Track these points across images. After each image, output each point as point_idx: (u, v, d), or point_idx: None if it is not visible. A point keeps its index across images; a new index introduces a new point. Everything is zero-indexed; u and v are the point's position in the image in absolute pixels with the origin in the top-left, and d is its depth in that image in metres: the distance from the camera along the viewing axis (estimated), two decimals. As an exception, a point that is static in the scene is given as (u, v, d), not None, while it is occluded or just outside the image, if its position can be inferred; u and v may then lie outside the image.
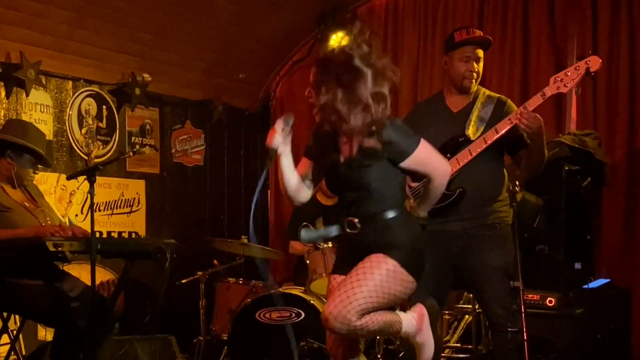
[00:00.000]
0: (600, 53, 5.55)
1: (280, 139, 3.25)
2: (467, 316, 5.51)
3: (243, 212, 7.45)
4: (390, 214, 3.20)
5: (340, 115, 3.11)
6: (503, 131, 3.90)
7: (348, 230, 3.22)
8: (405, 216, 3.27)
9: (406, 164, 3.19)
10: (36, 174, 4.51)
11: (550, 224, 5.09)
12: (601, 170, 5.49)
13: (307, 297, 5.34)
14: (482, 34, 4.16)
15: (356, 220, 3.20)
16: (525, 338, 3.76)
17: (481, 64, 4.10)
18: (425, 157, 3.23)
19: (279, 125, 3.25)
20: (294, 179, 3.32)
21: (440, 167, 3.29)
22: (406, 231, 3.23)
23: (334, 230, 3.28)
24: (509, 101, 4.15)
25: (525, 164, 4.06)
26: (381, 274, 3.11)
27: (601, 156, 5.42)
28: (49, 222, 4.38)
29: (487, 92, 4.19)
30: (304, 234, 3.30)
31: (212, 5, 6.27)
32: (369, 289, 3.08)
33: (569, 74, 3.83)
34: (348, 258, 3.28)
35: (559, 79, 3.85)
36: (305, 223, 5.54)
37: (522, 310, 3.80)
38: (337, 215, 3.32)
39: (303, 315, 5.27)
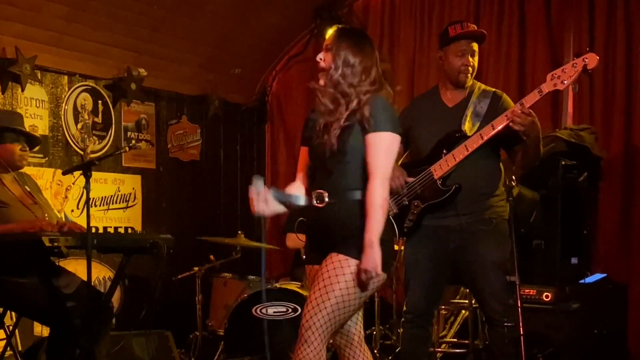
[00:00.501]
0: (596, 48, 5.56)
1: (261, 203, 3.17)
2: (463, 311, 5.52)
3: (239, 207, 7.44)
4: (358, 195, 3.13)
5: (348, 83, 3.14)
6: (499, 127, 3.90)
7: (316, 202, 3.17)
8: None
9: (367, 137, 3.10)
10: (24, 151, 4.44)
11: (546, 218, 5.09)
12: (598, 165, 5.49)
13: (304, 292, 5.34)
14: (476, 27, 4.16)
15: (326, 193, 3.16)
16: (521, 333, 3.76)
17: (476, 57, 4.10)
18: (382, 147, 3.11)
19: (252, 192, 3.16)
20: (302, 199, 3.26)
21: (383, 169, 3.11)
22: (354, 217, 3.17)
23: (302, 200, 3.24)
24: (505, 95, 4.15)
25: (521, 159, 4.07)
26: (346, 280, 3.05)
27: (598, 151, 5.43)
28: (47, 218, 4.37)
29: (483, 86, 4.19)
30: (274, 192, 3.20)
31: (208, 0, 6.26)
32: (330, 306, 3.05)
33: (566, 70, 3.82)
34: (314, 244, 3.28)
35: (556, 76, 3.83)
36: (301, 218, 5.59)
37: (519, 305, 3.80)
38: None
39: (299, 310, 5.27)
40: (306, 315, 3.09)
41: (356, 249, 3.05)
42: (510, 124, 3.82)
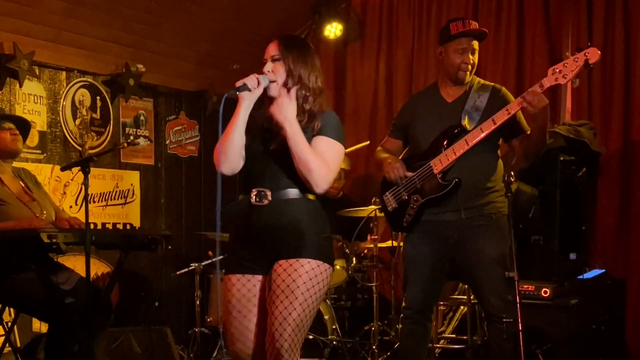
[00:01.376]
0: (595, 43, 5.54)
1: (254, 83, 3.06)
2: (462, 307, 5.52)
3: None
4: (310, 196, 3.11)
5: (308, 91, 3.11)
6: (500, 122, 3.90)
7: (255, 200, 3.06)
8: (314, 201, 3.13)
9: (317, 138, 3.05)
10: (15, 135, 4.41)
11: (545, 214, 5.09)
12: (596, 161, 5.50)
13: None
14: (477, 25, 4.16)
15: (269, 192, 3.06)
16: (520, 328, 3.76)
17: (476, 55, 4.11)
18: (327, 147, 3.07)
19: (257, 75, 3.07)
20: (242, 139, 3.08)
21: (326, 167, 3.03)
22: (321, 220, 3.14)
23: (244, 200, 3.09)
24: (504, 89, 4.16)
25: (524, 149, 4.06)
26: (307, 288, 3.00)
27: (596, 146, 5.43)
28: (45, 214, 4.37)
29: (482, 81, 4.20)
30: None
31: (206, -5, 6.25)
32: (296, 319, 2.97)
33: (567, 65, 3.82)
34: (245, 249, 3.10)
35: (557, 71, 3.84)
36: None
37: (517, 300, 3.80)
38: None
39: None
40: (283, 332, 2.95)
41: (312, 249, 3.03)
42: (525, 104, 3.81)
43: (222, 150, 3.06)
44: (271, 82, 3.09)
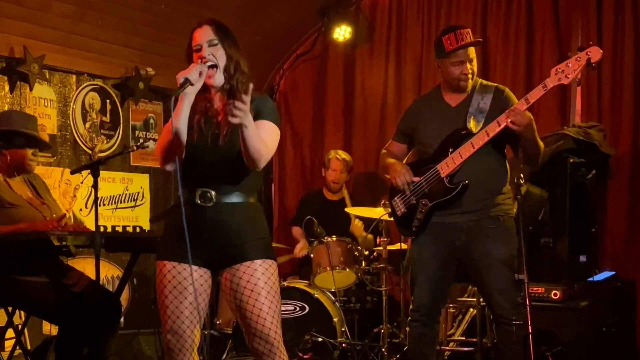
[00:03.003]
0: (604, 44, 5.54)
1: (196, 75, 2.95)
2: (471, 309, 5.50)
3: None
4: (251, 197, 3.14)
5: (242, 77, 3.07)
6: (504, 124, 3.90)
7: (199, 201, 3.04)
8: (254, 204, 3.18)
9: (256, 123, 3.00)
10: (36, 156, 4.43)
11: (554, 216, 5.08)
12: (606, 163, 5.48)
13: (311, 291, 5.35)
14: (470, 34, 4.10)
15: (213, 193, 3.04)
16: (529, 331, 3.76)
17: (475, 61, 4.09)
18: (269, 131, 3.08)
19: (197, 66, 2.97)
20: (184, 136, 3.00)
21: (268, 149, 3.04)
22: (262, 223, 3.19)
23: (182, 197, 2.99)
24: (507, 89, 4.16)
25: (523, 156, 4.07)
26: (276, 282, 3.11)
27: (606, 148, 5.41)
28: (54, 217, 4.38)
29: (484, 82, 4.19)
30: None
31: (214, -2, 6.27)
32: (278, 313, 3.09)
33: (570, 65, 3.82)
34: (182, 241, 2.97)
35: (560, 70, 3.84)
36: (309, 217, 5.60)
37: (527, 303, 3.80)
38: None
39: (307, 309, 5.29)
40: (273, 327, 3.05)
41: (264, 250, 3.11)
42: (509, 123, 3.82)
43: (165, 148, 3.01)
44: (212, 67, 3.03)
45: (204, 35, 3.08)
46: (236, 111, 2.81)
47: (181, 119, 2.97)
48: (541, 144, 4.03)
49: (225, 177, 3.06)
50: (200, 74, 2.97)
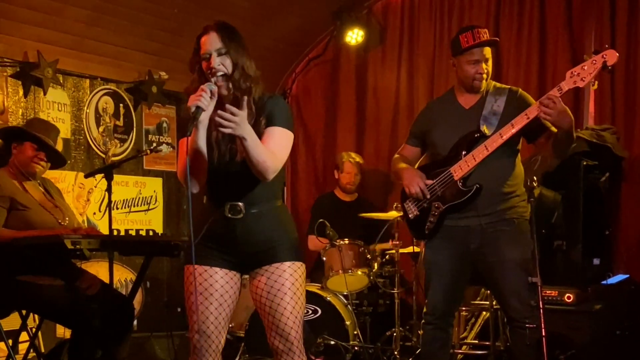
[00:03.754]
0: (618, 47, 5.51)
1: (207, 100, 2.93)
2: (484, 312, 5.49)
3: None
4: (278, 202, 3.18)
5: (251, 82, 3.06)
6: (519, 127, 3.89)
7: (229, 214, 3.07)
8: (282, 206, 3.23)
9: (268, 130, 3.05)
10: (40, 159, 4.40)
11: (568, 219, 5.06)
12: (619, 165, 5.45)
13: (324, 294, 5.35)
14: (487, 34, 4.09)
15: (242, 205, 3.08)
16: (543, 334, 3.75)
17: (490, 62, 4.08)
18: (279, 137, 3.08)
19: (206, 88, 2.95)
20: (206, 158, 3.03)
21: (276, 159, 3.04)
22: (290, 223, 3.24)
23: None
24: (520, 90, 4.14)
25: (553, 147, 4.03)
26: (302, 284, 3.16)
27: (619, 151, 5.39)
28: (67, 221, 4.41)
29: (497, 84, 4.18)
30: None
31: (227, 2, 6.27)
32: (300, 316, 3.15)
33: (586, 67, 3.80)
34: (221, 250, 3.13)
35: (575, 73, 3.82)
36: (321, 220, 5.60)
37: (540, 306, 3.78)
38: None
39: (320, 312, 5.29)
40: (294, 327, 3.11)
41: (294, 251, 3.16)
42: (542, 114, 3.80)
43: (191, 174, 3.00)
44: (223, 75, 3.02)
45: (212, 43, 3.07)
46: (223, 121, 2.82)
47: (201, 145, 3.00)
48: (574, 134, 3.99)
49: (250, 188, 3.09)
50: (212, 94, 2.96)
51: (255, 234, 3.11)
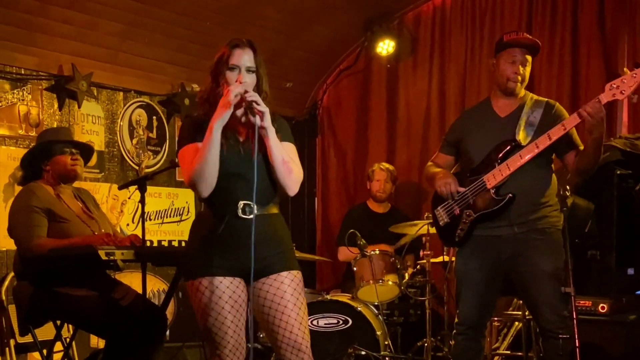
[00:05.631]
0: (651, 56, 5.48)
1: (234, 100, 3.01)
2: (516, 323, 5.45)
3: (290, 220, 7.46)
4: (277, 208, 3.23)
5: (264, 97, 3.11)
6: (555, 138, 3.87)
7: (242, 214, 3.07)
8: (281, 216, 3.29)
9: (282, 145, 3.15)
10: (76, 159, 4.45)
11: (601, 228, 5.02)
12: (653, 174, 5.39)
13: (354, 304, 5.34)
14: (531, 37, 4.14)
15: (254, 205, 3.06)
16: (577, 345, 3.71)
17: (528, 68, 4.08)
18: (293, 153, 3.22)
19: (237, 87, 3.04)
20: (218, 161, 3.06)
21: (300, 170, 3.20)
22: (288, 234, 3.31)
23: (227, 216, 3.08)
24: (558, 104, 4.13)
25: (578, 165, 4.01)
26: (302, 299, 3.19)
27: (653, 160, 5.33)
28: (103, 232, 4.45)
29: (535, 96, 4.17)
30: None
31: (259, 14, 6.32)
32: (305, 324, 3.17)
33: (625, 81, 3.76)
34: (218, 255, 3.10)
35: (614, 86, 3.78)
36: (352, 230, 5.60)
37: (574, 316, 3.75)
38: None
39: (350, 322, 5.28)
40: (304, 337, 3.13)
41: (291, 261, 3.21)
42: (584, 114, 3.77)
43: (202, 177, 3.03)
44: (251, 101, 3.06)
45: (245, 58, 3.13)
46: (258, 99, 2.96)
47: (215, 147, 3.02)
48: (602, 150, 3.97)
49: (261, 189, 3.07)
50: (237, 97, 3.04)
51: (264, 237, 3.10)
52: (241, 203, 3.08)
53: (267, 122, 3.02)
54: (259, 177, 3.04)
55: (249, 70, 3.12)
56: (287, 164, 3.09)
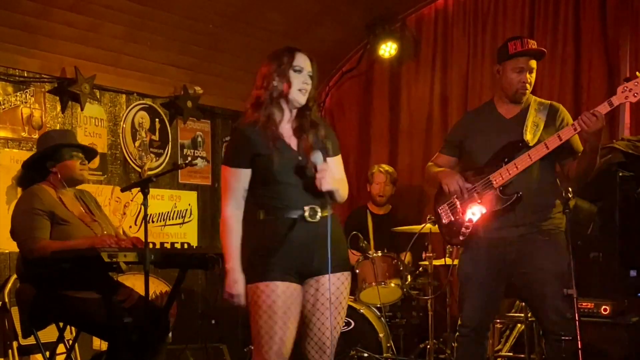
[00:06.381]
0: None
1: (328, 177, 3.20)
2: (519, 325, 5.45)
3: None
4: (331, 210, 3.27)
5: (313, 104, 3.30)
6: (565, 139, 3.88)
7: (310, 218, 3.16)
8: None
9: (331, 161, 3.29)
10: (84, 164, 4.49)
11: (604, 231, 5.02)
12: (656, 177, 5.39)
13: (357, 306, 5.35)
14: (536, 44, 4.12)
15: (318, 209, 3.17)
16: (579, 346, 3.71)
17: (534, 74, 4.08)
18: (340, 165, 3.42)
19: (322, 167, 3.19)
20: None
21: (346, 185, 3.38)
22: (343, 235, 3.42)
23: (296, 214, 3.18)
24: (562, 107, 4.13)
25: (573, 171, 4.02)
26: (345, 302, 3.29)
27: (656, 162, 5.33)
28: (106, 235, 4.45)
29: (538, 99, 4.17)
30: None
31: (261, 17, 6.33)
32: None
33: (638, 84, 3.77)
34: (293, 261, 3.16)
35: (627, 89, 3.79)
36: (354, 232, 5.61)
37: (577, 318, 3.75)
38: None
39: (353, 324, 5.28)
40: (333, 341, 3.19)
41: (348, 263, 3.36)
42: (581, 123, 3.78)
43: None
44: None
45: (307, 64, 3.28)
46: (327, 178, 3.12)
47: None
48: (598, 159, 3.99)
49: (320, 193, 3.16)
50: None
51: (326, 239, 3.13)
52: (307, 208, 3.16)
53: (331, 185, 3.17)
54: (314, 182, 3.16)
55: (310, 75, 3.25)
56: (337, 192, 3.23)
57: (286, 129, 3.26)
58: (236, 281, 3.18)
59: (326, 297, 3.16)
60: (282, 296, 3.12)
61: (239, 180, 3.21)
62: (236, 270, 3.18)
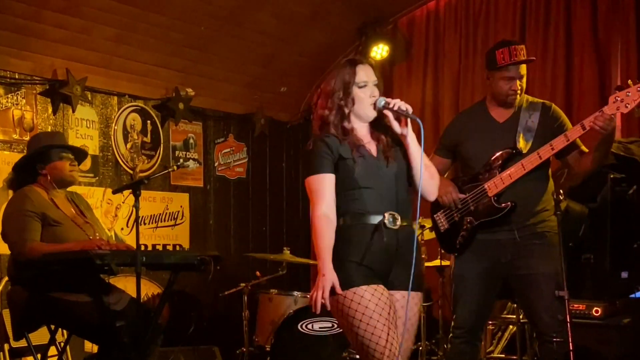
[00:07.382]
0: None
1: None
2: (511, 326, 5.46)
3: (285, 224, 7.48)
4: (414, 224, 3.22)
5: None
6: (558, 149, 3.88)
7: (390, 224, 3.09)
8: None
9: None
10: (74, 165, 4.48)
11: (595, 232, 5.03)
12: (647, 178, 5.40)
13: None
14: (525, 51, 4.06)
15: (398, 216, 3.10)
16: (571, 348, 3.71)
17: (525, 78, 4.05)
18: (428, 160, 3.34)
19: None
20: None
21: (438, 175, 3.38)
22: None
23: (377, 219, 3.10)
24: (554, 105, 4.12)
25: (583, 166, 4.01)
26: (416, 322, 3.25)
27: (647, 163, 5.34)
28: (97, 237, 4.44)
29: (530, 98, 4.15)
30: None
31: (254, 19, 6.33)
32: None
33: (630, 94, 3.73)
34: (378, 267, 3.10)
35: (619, 99, 3.74)
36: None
37: (568, 320, 3.75)
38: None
39: (346, 326, 5.26)
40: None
41: (423, 280, 3.33)
42: (592, 125, 3.77)
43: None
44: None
45: (369, 74, 3.21)
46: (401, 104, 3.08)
47: None
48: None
49: (401, 200, 3.15)
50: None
51: (409, 248, 3.07)
52: (388, 214, 3.09)
53: (409, 128, 3.12)
54: (402, 188, 3.16)
55: (374, 83, 3.20)
56: (429, 167, 3.19)
57: (363, 134, 3.20)
58: (330, 281, 3.00)
59: (398, 315, 3.08)
60: (372, 299, 3.02)
61: (326, 184, 3.12)
62: (328, 270, 3.01)
